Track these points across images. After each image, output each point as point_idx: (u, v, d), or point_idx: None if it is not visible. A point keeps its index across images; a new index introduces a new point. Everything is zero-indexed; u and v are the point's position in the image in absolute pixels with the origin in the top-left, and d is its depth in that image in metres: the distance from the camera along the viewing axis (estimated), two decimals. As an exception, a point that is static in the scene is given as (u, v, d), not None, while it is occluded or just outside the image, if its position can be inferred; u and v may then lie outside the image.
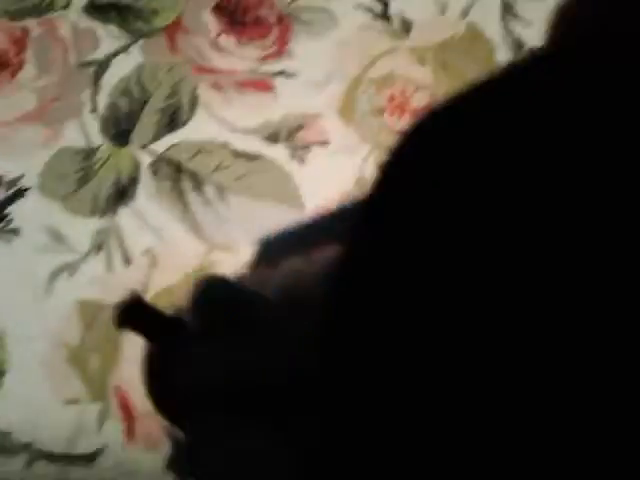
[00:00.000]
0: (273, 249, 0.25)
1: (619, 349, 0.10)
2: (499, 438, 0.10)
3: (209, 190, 0.44)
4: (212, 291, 0.20)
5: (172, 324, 0.21)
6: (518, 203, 0.11)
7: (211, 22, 0.50)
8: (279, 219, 0.43)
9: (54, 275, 0.41)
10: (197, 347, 0.20)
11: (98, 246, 0.41)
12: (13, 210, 0.43)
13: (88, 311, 0.40)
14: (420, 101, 0.47)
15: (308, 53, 0.49)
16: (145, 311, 0.20)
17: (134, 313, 0.20)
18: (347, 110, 0.47)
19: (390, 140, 0.46)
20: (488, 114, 0.13)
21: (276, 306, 0.19)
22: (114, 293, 0.40)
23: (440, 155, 0.13)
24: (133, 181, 0.44)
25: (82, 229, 0.42)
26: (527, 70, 0.13)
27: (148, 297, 0.41)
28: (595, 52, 0.13)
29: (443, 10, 0.47)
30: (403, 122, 0.47)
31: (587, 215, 0.11)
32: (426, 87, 0.48)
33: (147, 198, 0.44)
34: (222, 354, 0.20)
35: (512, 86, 0.13)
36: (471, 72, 0.45)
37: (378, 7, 0.49)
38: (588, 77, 0.12)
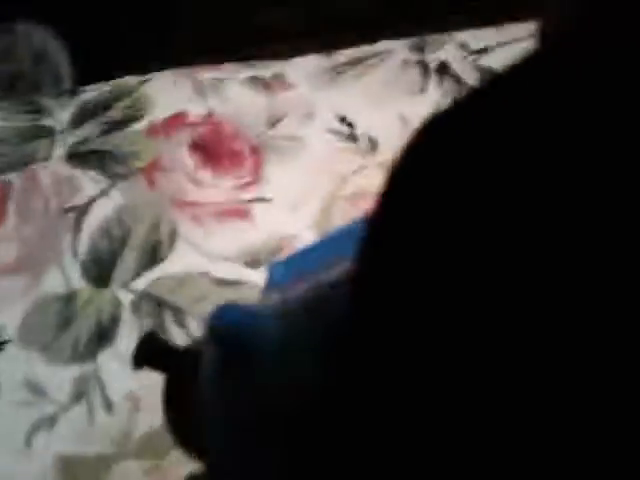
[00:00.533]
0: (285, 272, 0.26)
1: (618, 349, 0.10)
2: (502, 439, 0.11)
3: (191, 322, 0.44)
4: (226, 318, 0.20)
5: (187, 356, 0.21)
6: (517, 213, 0.12)
7: (188, 159, 0.52)
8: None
9: (34, 430, 0.40)
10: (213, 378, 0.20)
11: (78, 395, 0.40)
12: (-8, 364, 0.42)
13: (69, 466, 0.38)
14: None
15: (282, 178, 0.50)
16: (160, 346, 0.21)
17: (149, 351, 0.21)
18: (324, 228, 0.47)
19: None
20: (482, 132, 0.13)
21: (295, 315, 0.20)
22: (96, 444, 0.38)
23: (440, 169, 0.14)
24: (114, 322, 0.44)
25: (62, 378, 0.41)
26: (521, 76, 0.14)
27: (133, 442, 0.39)
28: (581, 53, 0.13)
29: (406, 124, 0.50)
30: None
31: (585, 218, 0.11)
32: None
33: (128, 338, 0.43)
34: (237, 386, 0.20)
35: (507, 92, 0.14)
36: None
37: (345, 130, 0.51)
38: (575, 81, 0.13)
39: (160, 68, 0.62)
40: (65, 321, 0.44)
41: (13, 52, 1.40)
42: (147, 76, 0.60)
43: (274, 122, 0.54)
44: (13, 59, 1.40)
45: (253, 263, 0.46)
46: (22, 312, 0.44)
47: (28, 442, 0.39)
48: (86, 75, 1.36)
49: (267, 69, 0.59)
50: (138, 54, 1.38)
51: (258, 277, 0.45)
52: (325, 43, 0.62)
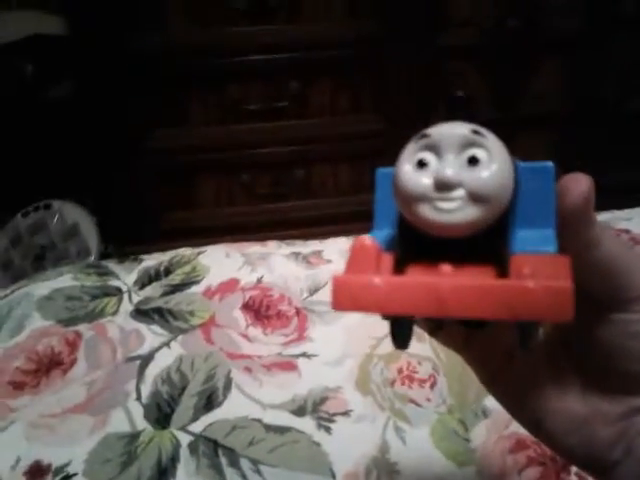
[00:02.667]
0: None
1: None
2: None
3: (244, 464, 0.47)
4: None
5: None
6: None
7: (240, 318, 0.60)
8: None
9: None
10: None
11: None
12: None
13: None
14: (425, 371, 0.54)
15: (324, 337, 0.57)
16: None
17: None
18: (363, 383, 0.53)
19: (404, 406, 0.52)
20: None
21: None
22: None
23: None
24: (173, 461, 0.48)
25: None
26: None
27: None
28: None
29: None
30: (413, 390, 0.53)
31: None
32: (427, 358, 0.55)
33: (187, 476, 0.46)
34: None
35: None
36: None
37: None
38: None
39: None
40: (128, 459, 0.47)
41: (47, 226, 1.54)
42: (202, 248, 0.70)
43: (314, 290, 0.63)
44: (47, 232, 1.54)
45: (299, 411, 0.51)
46: (89, 449, 0.48)
47: None
48: (112, 251, 1.49)
49: (306, 247, 0.70)
50: (162, 232, 1.52)
51: (304, 425, 0.51)
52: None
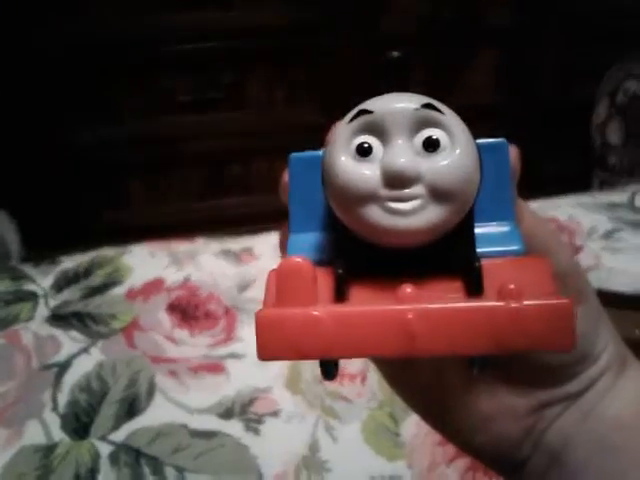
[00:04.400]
0: None
1: None
2: None
3: (169, 472, 0.46)
4: None
5: None
6: None
7: (165, 319, 0.57)
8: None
9: None
10: None
11: None
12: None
13: None
14: (355, 367, 0.54)
15: (254, 337, 0.56)
16: None
17: None
18: (293, 381, 0.52)
19: (335, 403, 0.51)
20: None
21: None
22: None
23: None
24: (92, 473, 0.45)
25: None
26: None
27: None
28: None
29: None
30: (344, 386, 0.52)
31: None
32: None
33: (107, 488, 0.44)
34: None
35: None
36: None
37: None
38: None
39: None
40: (45, 472, 0.45)
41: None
42: (126, 247, 0.67)
43: (244, 287, 0.61)
44: (-36, 237, 1.45)
45: (226, 414, 0.50)
46: (3, 462, 0.45)
47: None
48: (31, 253, 1.42)
49: (236, 243, 0.68)
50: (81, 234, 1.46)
51: (231, 428, 0.49)
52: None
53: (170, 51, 1.35)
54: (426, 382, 0.24)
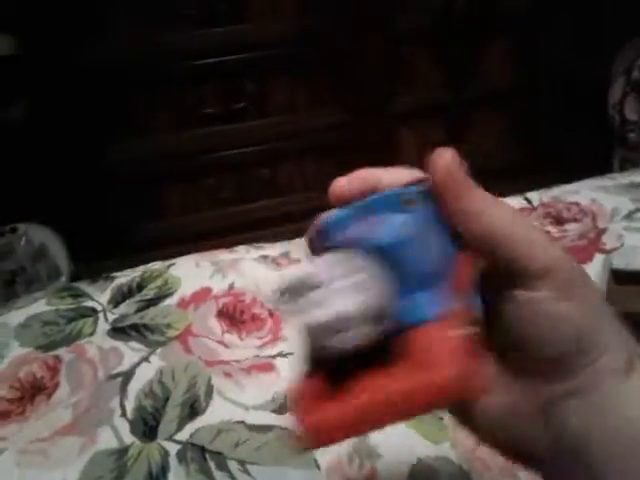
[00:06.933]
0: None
1: None
2: None
3: (232, 465, 0.49)
4: None
5: None
6: None
7: (215, 325, 0.62)
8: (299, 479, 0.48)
9: None
10: None
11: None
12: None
13: None
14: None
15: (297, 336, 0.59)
16: None
17: None
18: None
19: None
20: None
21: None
22: None
23: None
24: (164, 470, 0.49)
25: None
26: None
27: None
28: None
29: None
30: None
31: None
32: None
33: (178, 483, 0.48)
34: None
35: None
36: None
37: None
38: None
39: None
40: (120, 473, 0.49)
41: (15, 250, 1.52)
42: (172, 260, 0.72)
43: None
44: (15, 256, 1.52)
45: (280, 409, 0.54)
46: (80, 468, 0.50)
47: None
48: (82, 269, 1.48)
49: (274, 249, 0.72)
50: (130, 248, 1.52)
51: (285, 422, 0.53)
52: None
53: (194, 65, 1.39)
54: None
